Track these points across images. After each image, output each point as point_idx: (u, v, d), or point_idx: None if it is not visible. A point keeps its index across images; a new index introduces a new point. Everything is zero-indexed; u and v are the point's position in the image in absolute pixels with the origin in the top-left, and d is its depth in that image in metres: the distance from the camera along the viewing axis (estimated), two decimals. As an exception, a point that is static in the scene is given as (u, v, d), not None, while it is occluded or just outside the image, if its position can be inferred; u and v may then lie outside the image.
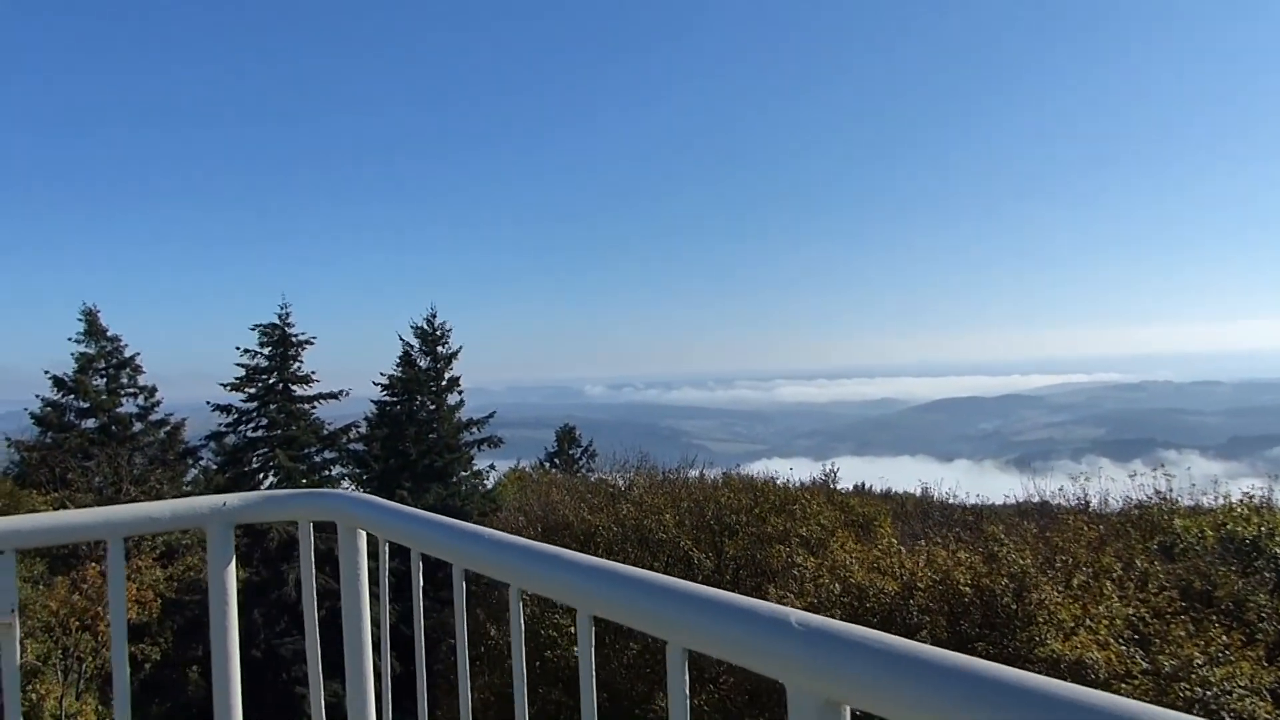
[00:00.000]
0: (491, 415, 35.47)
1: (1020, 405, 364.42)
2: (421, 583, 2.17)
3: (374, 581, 2.37)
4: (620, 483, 21.41)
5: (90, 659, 20.38)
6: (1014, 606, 10.82)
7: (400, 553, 2.25)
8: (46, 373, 29.68)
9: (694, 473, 23.77)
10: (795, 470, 24.94)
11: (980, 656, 1.07)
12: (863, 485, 39.98)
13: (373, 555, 2.39)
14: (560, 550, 1.67)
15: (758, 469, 26.55)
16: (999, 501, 27.05)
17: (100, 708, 20.09)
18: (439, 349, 34.52)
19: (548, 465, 43.91)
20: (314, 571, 2.47)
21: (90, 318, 30.37)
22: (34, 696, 18.57)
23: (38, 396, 29.57)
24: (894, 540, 14.18)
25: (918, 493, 36.25)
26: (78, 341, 30.20)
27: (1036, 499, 23.34)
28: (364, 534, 2.42)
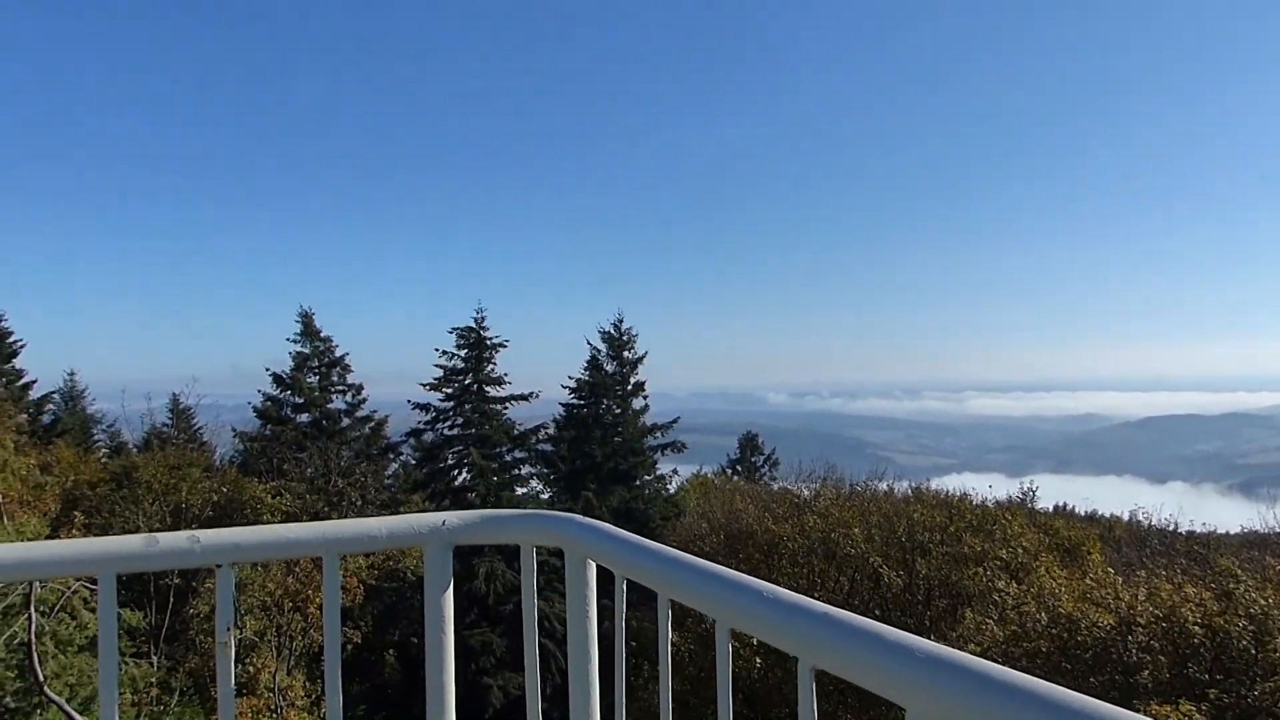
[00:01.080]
0: (676, 420, 35.66)
1: (1246, 425, 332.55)
2: (670, 633, 1.87)
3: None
4: (805, 493, 20.88)
5: (300, 638, 21.76)
6: (1254, 652, 9.66)
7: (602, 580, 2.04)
8: (268, 370, 32.19)
9: (882, 486, 22.91)
10: (986, 487, 23.60)
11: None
12: (1064, 506, 37.57)
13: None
14: (868, 623, 1.30)
15: (947, 484, 25.42)
16: (1227, 530, 24.67)
17: (307, 683, 21.43)
18: (625, 354, 35.03)
19: (730, 472, 43.70)
20: (536, 600, 2.24)
21: (306, 319, 32.67)
22: (251, 669, 20.03)
23: (260, 391, 32.13)
24: (1108, 569, 13.05)
25: (1126, 517, 34.01)
26: (294, 341, 32.60)
27: (1277, 530, 21.06)
28: (594, 565, 2.14)
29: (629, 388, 34.83)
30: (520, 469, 32.70)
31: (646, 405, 35.07)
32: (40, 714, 14.90)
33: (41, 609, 15.35)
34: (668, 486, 34.64)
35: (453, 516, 2.22)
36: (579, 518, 2.15)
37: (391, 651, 28.37)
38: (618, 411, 34.54)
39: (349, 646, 24.69)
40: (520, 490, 32.29)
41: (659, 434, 34.78)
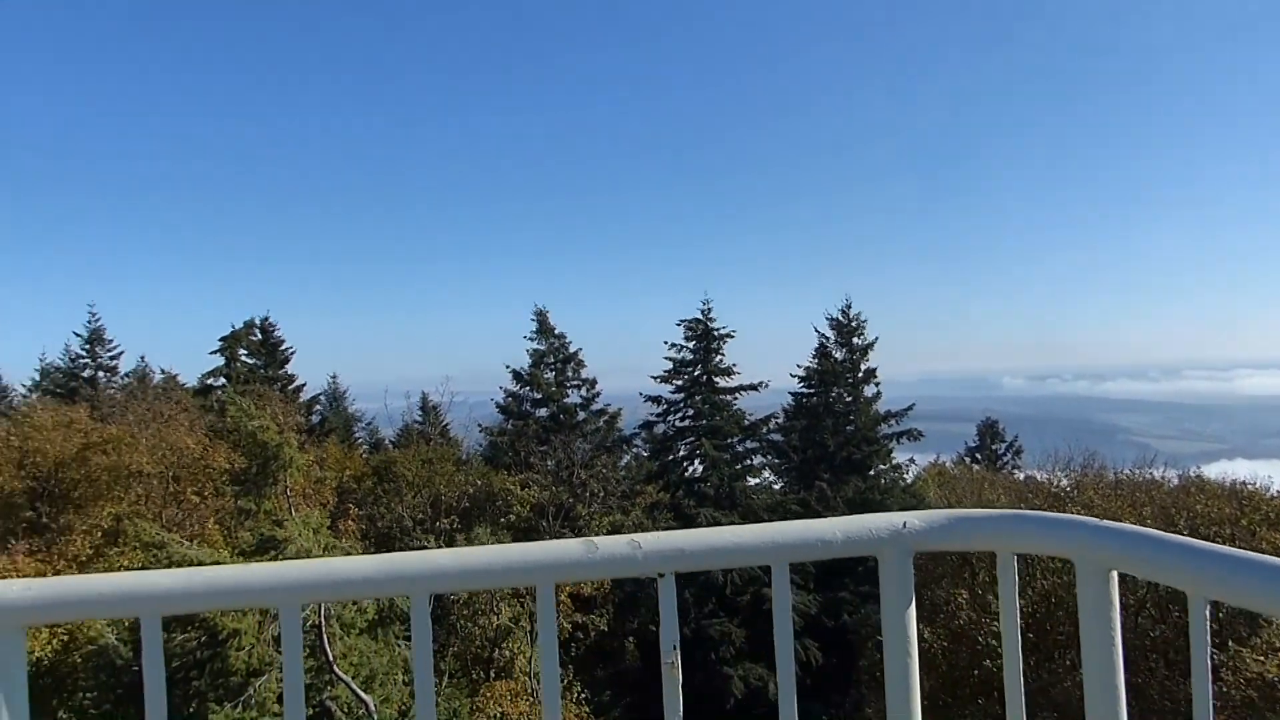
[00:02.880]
0: (910, 408, 34.40)
1: None
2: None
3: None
4: (1063, 482, 19.47)
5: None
6: None
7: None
8: (507, 367, 33.81)
9: (1150, 474, 21.00)
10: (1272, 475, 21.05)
11: None
12: (1368, 496, 33.19)
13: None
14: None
15: (1217, 472, 23.05)
16: None
17: (561, 670, 22.31)
18: (854, 340, 34.12)
19: (969, 460, 41.74)
20: (1018, 616, 1.87)
21: (541, 318, 34.03)
22: (508, 653, 21.04)
23: (501, 388, 33.82)
24: None
25: None
26: (531, 339, 34.04)
27: None
28: (1115, 575, 1.72)
29: (859, 375, 33.91)
30: (752, 459, 32.62)
31: (879, 392, 34.03)
32: (330, 690, 16.29)
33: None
34: (904, 476, 33.46)
35: (914, 518, 1.91)
36: (1090, 520, 1.77)
37: (631, 639, 29.02)
38: (848, 399, 33.72)
39: (593, 633, 25.48)
40: (753, 481, 32.18)
41: (892, 422, 33.67)
